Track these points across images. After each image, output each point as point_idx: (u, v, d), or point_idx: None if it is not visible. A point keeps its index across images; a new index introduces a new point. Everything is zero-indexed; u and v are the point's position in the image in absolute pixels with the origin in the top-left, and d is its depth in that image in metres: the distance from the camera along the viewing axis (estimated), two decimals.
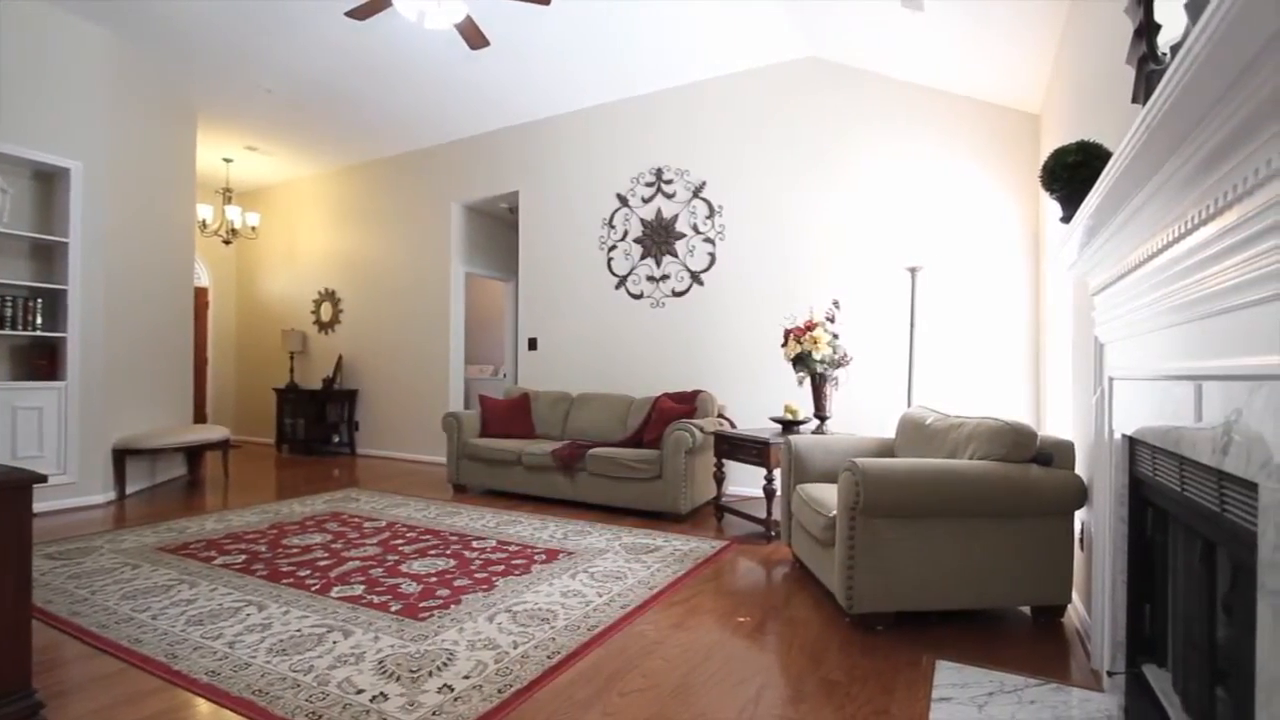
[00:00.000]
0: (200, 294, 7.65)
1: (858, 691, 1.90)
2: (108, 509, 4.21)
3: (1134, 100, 1.52)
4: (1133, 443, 1.69)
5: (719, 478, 4.01)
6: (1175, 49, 1.17)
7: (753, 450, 3.60)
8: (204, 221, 6.61)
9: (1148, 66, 1.40)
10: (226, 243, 7.03)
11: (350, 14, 3.52)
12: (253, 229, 7.25)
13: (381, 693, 1.83)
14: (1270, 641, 0.85)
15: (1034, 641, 2.27)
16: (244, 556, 3.14)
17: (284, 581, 2.79)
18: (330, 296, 7.30)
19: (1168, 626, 1.53)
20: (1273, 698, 0.84)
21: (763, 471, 3.63)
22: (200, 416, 7.61)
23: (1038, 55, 3.37)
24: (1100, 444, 1.92)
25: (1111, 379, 1.80)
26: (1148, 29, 1.39)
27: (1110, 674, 1.81)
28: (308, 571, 2.93)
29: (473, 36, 3.60)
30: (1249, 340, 0.96)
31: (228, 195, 7.02)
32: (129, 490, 4.61)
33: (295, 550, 3.26)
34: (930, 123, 4.25)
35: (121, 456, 4.49)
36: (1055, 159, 1.86)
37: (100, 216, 4.32)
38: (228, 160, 6.83)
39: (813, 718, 1.76)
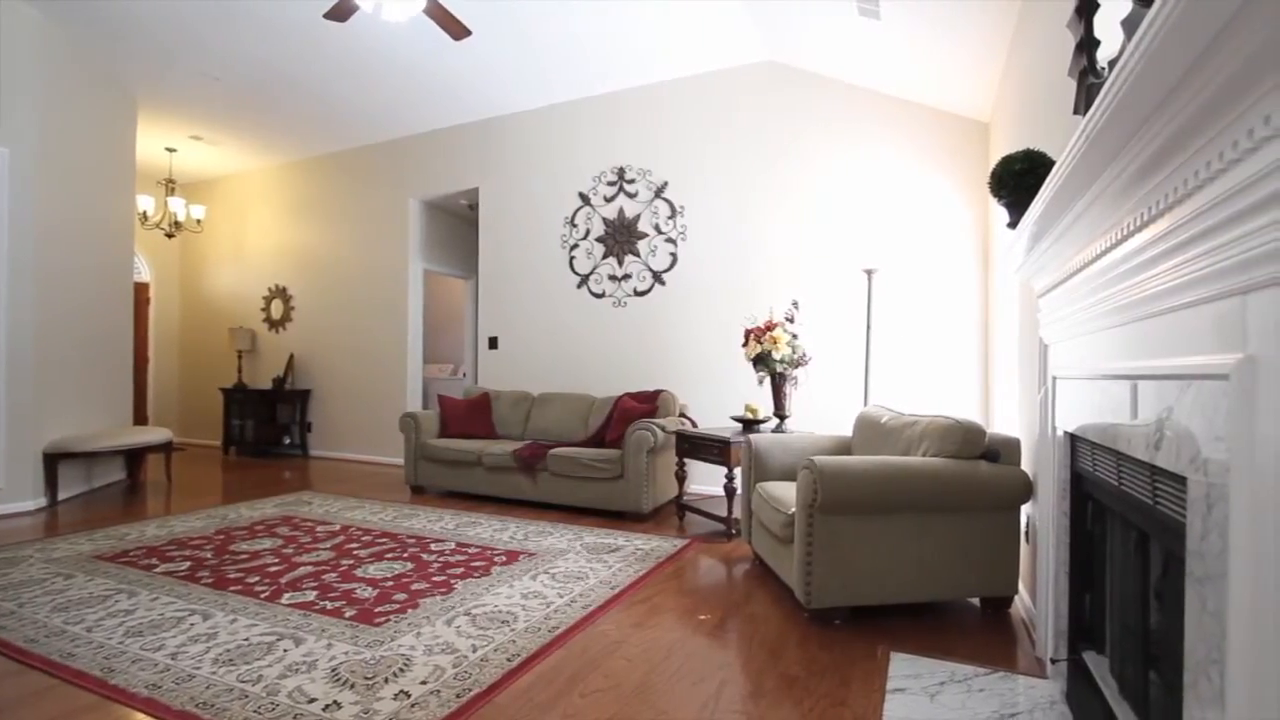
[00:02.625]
0: (141, 289, 7.30)
1: (815, 685, 1.94)
2: (38, 516, 3.98)
3: (1075, 111, 1.59)
4: (1074, 439, 1.77)
5: (681, 477, 4.04)
6: (1113, 64, 1.23)
7: (714, 449, 3.63)
8: (145, 213, 6.31)
9: (1088, 79, 1.46)
10: (169, 236, 6.72)
11: (328, 16, 3.41)
12: (198, 222, 6.95)
13: (335, 701, 1.77)
14: (1197, 626, 0.90)
15: (983, 632, 2.36)
16: (188, 564, 3.01)
17: (231, 589, 2.68)
18: (281, 293, 7.06)
19: (1106, 614, 1.61)
20: (1199, 679, 0.89)
21: (724, 470, 3.67)
22: (141, 418, 7.26)
23: (988, 66, 3.49)
24: (1044, 441, 2.00)
25: (1055, 378, 1.88)
26: (1088, 44, 1.46)
27: (1053, 661, 1.89)
28: (257, 578, 2.82)
29: (451, 25, 3.48)
30: (1179, 342, 1.01)
31: (171, 186, 6.72)
32: (62, 496, 4.36)
33: (243, 556, 3.14)
34: (886, 128, 4.36)
35: (54, 460, 4.25)
36: (1003, 166, 1.93)
37: (30, 206, 4.07)
38: (171, 150, 6.53)
39: (772, 712, 1.78)
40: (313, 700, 1.78)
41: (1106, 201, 1.21)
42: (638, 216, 5.18)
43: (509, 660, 2.05)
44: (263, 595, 2.61)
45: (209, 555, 3.15)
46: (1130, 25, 1.13)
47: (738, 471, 3.46)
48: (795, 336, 3.73)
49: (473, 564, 3.06)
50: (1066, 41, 1.71)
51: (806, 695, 1.88)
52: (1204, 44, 0.73)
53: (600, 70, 4.97)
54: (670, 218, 5.06)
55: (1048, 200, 1.43)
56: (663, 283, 5.08)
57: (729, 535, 3.64)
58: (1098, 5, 1.45)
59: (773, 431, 3.63)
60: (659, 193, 5.10)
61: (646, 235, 5.15)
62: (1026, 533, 2.50)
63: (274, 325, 7.11)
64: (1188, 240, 0.94)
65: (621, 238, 5.24)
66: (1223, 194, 0.82)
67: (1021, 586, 2.53)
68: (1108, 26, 1.39)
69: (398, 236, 6.37)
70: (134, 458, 5.12)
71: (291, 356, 6.89)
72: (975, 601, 2.60)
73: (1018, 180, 1.88)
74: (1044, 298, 1.95)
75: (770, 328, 3.69)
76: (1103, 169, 1.15)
